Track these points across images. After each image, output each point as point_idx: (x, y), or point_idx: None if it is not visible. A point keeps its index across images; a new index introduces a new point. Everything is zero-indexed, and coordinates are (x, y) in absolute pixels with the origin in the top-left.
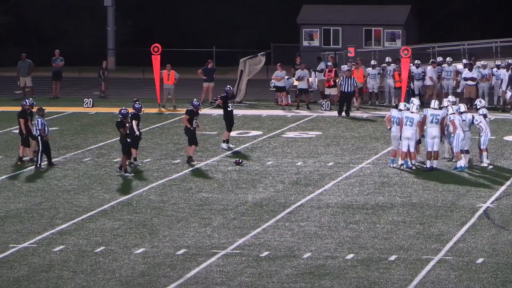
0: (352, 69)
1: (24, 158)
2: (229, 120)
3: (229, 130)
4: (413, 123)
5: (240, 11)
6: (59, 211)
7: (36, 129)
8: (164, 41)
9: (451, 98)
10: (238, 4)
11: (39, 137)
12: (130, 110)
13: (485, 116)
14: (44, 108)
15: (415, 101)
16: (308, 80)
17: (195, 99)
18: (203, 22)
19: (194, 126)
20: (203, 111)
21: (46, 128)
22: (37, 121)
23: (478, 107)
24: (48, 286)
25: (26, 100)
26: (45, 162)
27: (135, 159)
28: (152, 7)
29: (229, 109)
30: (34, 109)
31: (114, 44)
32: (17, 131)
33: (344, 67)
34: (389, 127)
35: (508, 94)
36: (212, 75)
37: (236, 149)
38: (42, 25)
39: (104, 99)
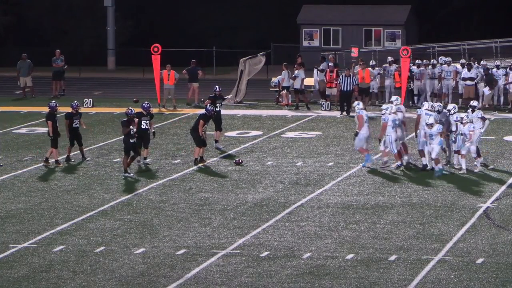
0: (359, 69)
1: (50, 160)
2: (217, 120)
3: (219, 129)
4: (399, 123)
5: (240, 11)
6: (59, 211)
7: None
8: (164, 41)
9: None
10: (238, 4)
11: None
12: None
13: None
14: None
15: (396, 100)
16: (302, 80)
17: (208, 105)
18: (203, 22)
19: (201, 135)
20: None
21: None
22: None
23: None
24: (48, 286)
25: (54, 102)
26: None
27: (145, 158)
28: (152, 7)
29: (217, 109)
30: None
31: (114, 44)
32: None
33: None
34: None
35: (485, 90)
36: (196, 74)
37: (228, 152)
38: (42, 25)
39: (105, 99)
